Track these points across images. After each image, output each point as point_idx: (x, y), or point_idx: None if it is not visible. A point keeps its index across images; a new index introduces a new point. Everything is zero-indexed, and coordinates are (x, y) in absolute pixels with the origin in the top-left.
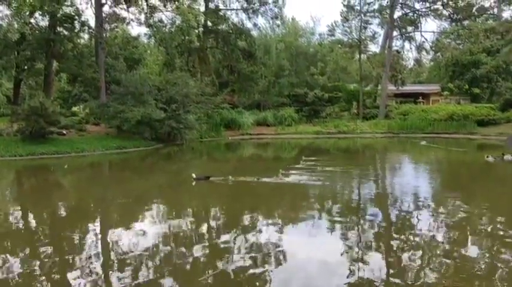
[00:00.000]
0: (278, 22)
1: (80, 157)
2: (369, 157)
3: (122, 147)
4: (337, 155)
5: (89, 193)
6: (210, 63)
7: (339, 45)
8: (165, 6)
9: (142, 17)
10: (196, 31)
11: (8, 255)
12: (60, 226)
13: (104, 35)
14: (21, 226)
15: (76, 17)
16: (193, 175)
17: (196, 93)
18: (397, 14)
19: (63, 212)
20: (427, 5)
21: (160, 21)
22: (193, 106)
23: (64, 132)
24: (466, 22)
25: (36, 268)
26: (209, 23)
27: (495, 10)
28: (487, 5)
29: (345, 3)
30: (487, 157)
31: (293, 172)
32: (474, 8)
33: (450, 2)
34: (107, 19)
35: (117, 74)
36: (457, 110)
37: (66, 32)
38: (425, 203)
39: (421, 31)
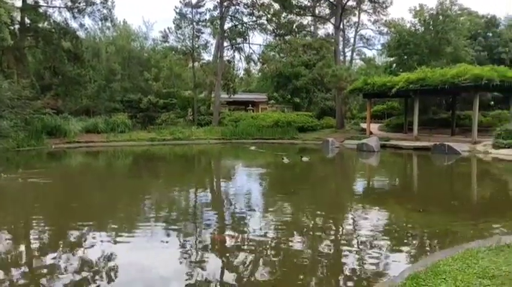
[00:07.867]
0: (108, 24)
1: None
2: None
3: None
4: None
5: None
6: (28, 64)
7: (173, 52)
8: None
9: None
10: (12, 28)
11: None
12: None
13: None
14: None
15: None
16: None
17: (11, 96)
18: (227, 25)
19: None
20: (254, 19)
21: None
22: (8, 111)
23: None
24: (287, 37)
25: None
26: (27, 20)
27: (312, 28)
28: (305, 22)
29: (178, 10)
30: (282, 158)
31: None
32: (294, 25)
33: (274, 18)
34: None
35: None
36: (282, 117)
37: None
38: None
39: (249, 43)
